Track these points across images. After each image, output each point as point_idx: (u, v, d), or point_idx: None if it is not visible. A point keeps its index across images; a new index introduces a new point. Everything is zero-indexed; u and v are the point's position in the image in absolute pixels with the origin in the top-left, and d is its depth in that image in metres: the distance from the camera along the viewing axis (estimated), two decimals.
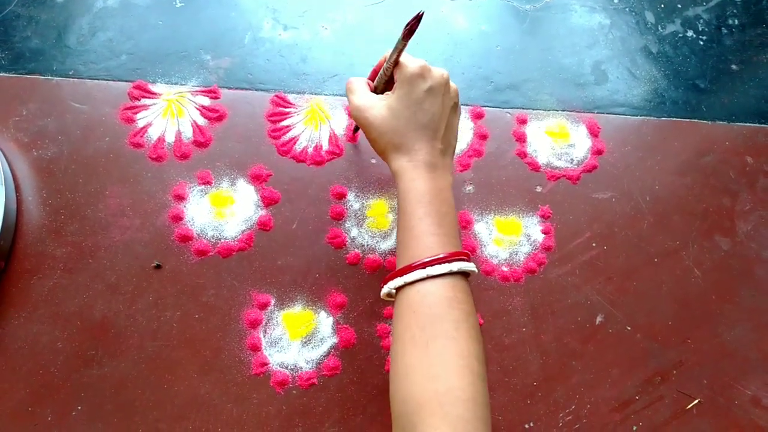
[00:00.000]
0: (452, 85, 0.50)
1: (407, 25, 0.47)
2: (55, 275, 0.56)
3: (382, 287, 0.47)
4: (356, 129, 0.63)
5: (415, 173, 0.47)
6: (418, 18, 0.47)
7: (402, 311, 0.44)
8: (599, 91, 0.70)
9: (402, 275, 0.44)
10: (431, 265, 0.44)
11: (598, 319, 0.62)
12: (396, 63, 0.49)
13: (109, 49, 0.64)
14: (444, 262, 0.44)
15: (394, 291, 0.46)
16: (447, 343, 0.41)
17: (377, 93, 0.52)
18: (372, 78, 0.54)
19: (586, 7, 0.74)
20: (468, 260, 0.45)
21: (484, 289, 0.61)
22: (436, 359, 0.41)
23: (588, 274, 0.63)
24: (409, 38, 0.48)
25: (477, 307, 0.60)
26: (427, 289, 0.44)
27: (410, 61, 0.48)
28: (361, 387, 0.57)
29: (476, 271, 0.46)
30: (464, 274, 0.46)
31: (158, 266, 0.58)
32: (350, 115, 0.50)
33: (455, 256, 0.44)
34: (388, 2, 0.70)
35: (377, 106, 0.49)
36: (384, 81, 0.51)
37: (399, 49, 0.48)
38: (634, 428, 0.59)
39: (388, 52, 0.50)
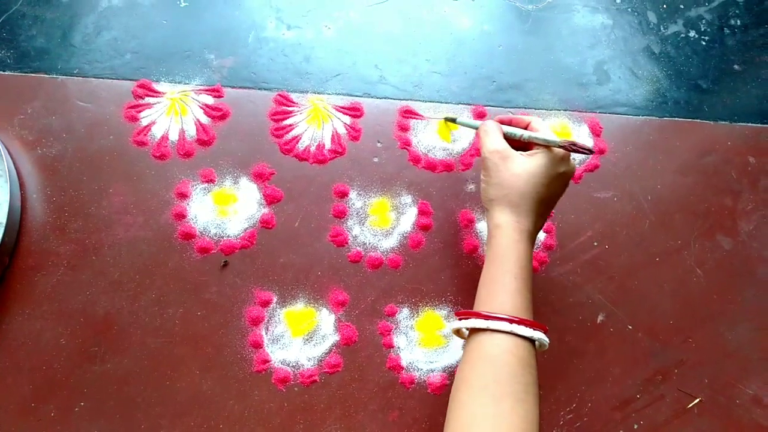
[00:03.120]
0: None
1: (574, 144, 0.50)
2: (58, 272, 0.57)
3: (459, 319, 0.48)
4: (448, 119, 0.65)
5: (519, 236, 0.49)
6: (587, 150, 0.50)
7: (477, 357, 0.46)
8: (601, 91, 0.70)
9: (487, 319, 0.46)
10: (519, 324, 0.45)
11: (600, 318, 0.62)
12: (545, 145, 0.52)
13: (113, 48, 0.65)
14: (529, 327, 0.45)
15: (466, 330, 0.48)
16: (515, 405, 0.42)
17: None
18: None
19: (588, 7, 0.74)
20: (546, 334, 0.47)
21: None
22: (504, 417, 0.42)
23: (589, 273, 0.63)
24: (565, 150, 0.51)
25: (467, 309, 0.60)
26: (507, 345, 0.45)
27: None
28: (363, 384, 0.57)
29: (547, 347, 0.48)
30: (534, 344, 0.47)
31: (226, 263, 0.59)
32: (478, 151, 0.55)
33: (538, 326, 0.46)
34: (392, 1, 0.70)
35: (514, 160, 0.51)
36: (514, 141, 0.54)
37: (551, 143, 0.51)
38: (635, 427, 0.59)
39: (526, 117, 0.55)
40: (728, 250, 0.66)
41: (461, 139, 0.66)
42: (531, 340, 0.46)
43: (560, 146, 0.50)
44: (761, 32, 0.75)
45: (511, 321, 0.45)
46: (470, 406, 0.43)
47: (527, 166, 0.50)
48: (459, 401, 0.45)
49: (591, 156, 0.67)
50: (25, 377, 0.54)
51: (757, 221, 0.67)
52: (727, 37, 0.74)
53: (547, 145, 0.51)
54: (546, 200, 0.51)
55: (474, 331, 0.47)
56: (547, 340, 0.47)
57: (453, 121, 0.64)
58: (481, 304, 0.48)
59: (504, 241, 0.49)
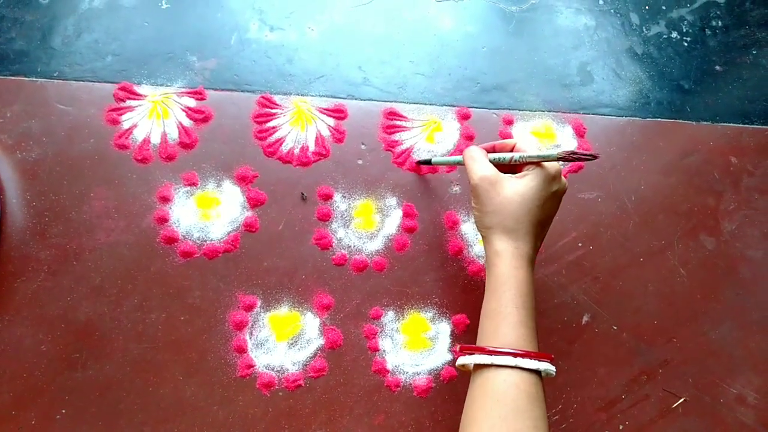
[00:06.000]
0: None
1: (574, 153, 0.47)
2: (39, 278, 0.56)
3: (462, 355, 0.47)
4: (422, 162, 0.63)
5: (519, 262, 0.48)
6: (590, 157, 0.47)
7: (483, 394, 0.44)
8: (585, 92, 0.70)
9: (491, 355, 0.45)
10: (524, 357, 0.44)
11: (585, 318, 0.62)
12: (537, 163, 0.49)
13: (94, 51, 0.64)
14: (534, 359, 0.44)
15: (471, 365, 0.46)
16: None
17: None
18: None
19: (571, 9, 0.74)
20: (552, 363, 0.46)
21: (471, 289, 0.61)
22: None
23: (574, 274, 0.63)
24: (564, 162, 0.48)
25: (465, 308, 0.60)
26: (513, 380, 0.44)
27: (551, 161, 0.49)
28: (348, 388, 0.57)
29: (554, 375, 0.46)
30: (540, 375, 0.46)
31: (304, 197, 0.59)
32: (471, 182, 0.51)
33: (543, 356, 0.45)
34: (375, 3, 0.70)
35: (504, 185, 0.49)
36: (503, 165, 0.52)
37: (547, 158, 0.48)
38: (621, 427, 0.59)
39: (509, 141, 0.53)
40: (711, 249, 0.66)
41: (445, 141, 0.66)
42: (537, 372, 0.45)
43: (559, 158, 0.48)
44: (742, 33, 0.76)
45: (515, 355, 0.44)
46: None
47: (519, 189, 0.48)
48: None
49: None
50: (5, 385, 0.53)
51: (739, 221, 0.68)
52: (708, 38, 0.75)
53: (538, 163, 0.49)
54: (542, 221, 0.49)
55: (479, 366, 0.46)
56: (554, 368, 0.45)
57: (428, 162, 0.62)
58: (485, 338, 0.47)
59: (504, 269, 0.48)
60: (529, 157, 0.49)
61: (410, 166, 0.65)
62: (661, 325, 0.63)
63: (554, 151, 0.48)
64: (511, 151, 0.52)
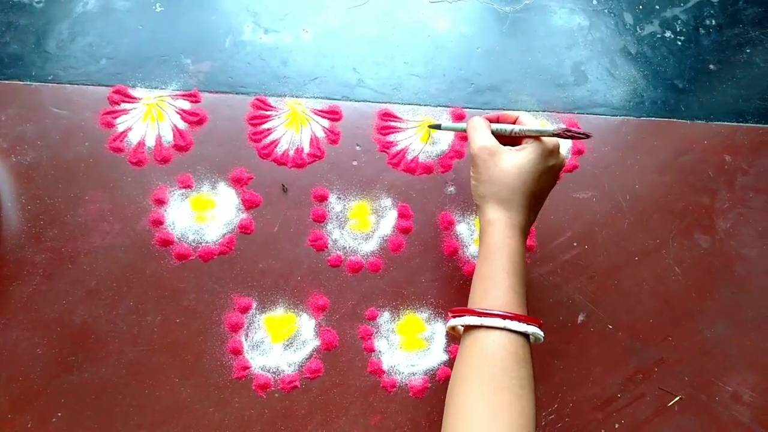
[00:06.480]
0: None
1: (568, 130, 0.50)
2: (34, 281, 0.56)
3: (452, 318, 0.49)
4: (433, 127, 0.64)
5: (511, 231, 0.49)
6: (583, 135, 0.51)
7: (472, 354, 0.46)
8: (579, 92, 0.71)
9: (480, 316, 0.46)
10: (512, 320, 0.45)
11: (580, 318, 0.62)
12: (536, 137, 0.51)
13: (88, 54, 0.64)
14: (523, 322, 0.46)
15: (461, 327, 0.48)
16: (512, 399, 0.43)
17: None
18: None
19: (565, 9, 0.74)
20: (540, 328, 0.47)
21: (467, 289, 0.60)
22: (500, 412, 0.43)
23: (569, 274, 0.63)
24: (560, 137, 0.51)
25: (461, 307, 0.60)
26: (501, 341, 0.45)
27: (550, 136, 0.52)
28: (344, 389, 0.57)
29: (542, 340, 0.48)
30: (528, 338, 0.47)
31: (285, 189, 0.59)
32: (458, 153, 0.52)
33: (532, 320, 0.46)
34: (369, 5, 0.70)
35: (502, 156, 0.51)
36: (503, 137, 0.54)
37: (544, 132, 0.51)
38: (617, 426, 0.59)
39: (513, 113, 0.55)
40: (706, 248, 0.66)
41: (440, 142, 0.66)
42: (525, 335, 0.46)
43: (554, 134, 0.50)
44: (736, 32, 0.76)
45: (504, 317, 0.45)
46: (467, 403, 0.44)
47: (516, 161, 0.50)
48: (456, 399, 0.45)
49: (572, 155, 0.67)
50: (1, 388, 0.53)
51: (734, 219, 0.68)
52: (702, 37, 0.75)
53: (537, 138, 0.51)
54: (537, 194, 0.51)
55: (469, 328, 0.47)
56: (542, 333, 0.47)
57: (438, 127, 0.63)
58: (475, 301, 0.49)
59: (496, 238, 0.49)
60: (528, 130, 0.52)
61: (414, 162, 0.65)
62: (656, 324, 0.63)
63: (551, 128, 0.50)
64: (514, 123, 0.54)
